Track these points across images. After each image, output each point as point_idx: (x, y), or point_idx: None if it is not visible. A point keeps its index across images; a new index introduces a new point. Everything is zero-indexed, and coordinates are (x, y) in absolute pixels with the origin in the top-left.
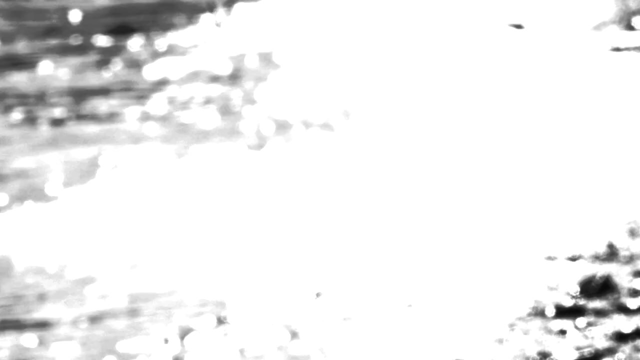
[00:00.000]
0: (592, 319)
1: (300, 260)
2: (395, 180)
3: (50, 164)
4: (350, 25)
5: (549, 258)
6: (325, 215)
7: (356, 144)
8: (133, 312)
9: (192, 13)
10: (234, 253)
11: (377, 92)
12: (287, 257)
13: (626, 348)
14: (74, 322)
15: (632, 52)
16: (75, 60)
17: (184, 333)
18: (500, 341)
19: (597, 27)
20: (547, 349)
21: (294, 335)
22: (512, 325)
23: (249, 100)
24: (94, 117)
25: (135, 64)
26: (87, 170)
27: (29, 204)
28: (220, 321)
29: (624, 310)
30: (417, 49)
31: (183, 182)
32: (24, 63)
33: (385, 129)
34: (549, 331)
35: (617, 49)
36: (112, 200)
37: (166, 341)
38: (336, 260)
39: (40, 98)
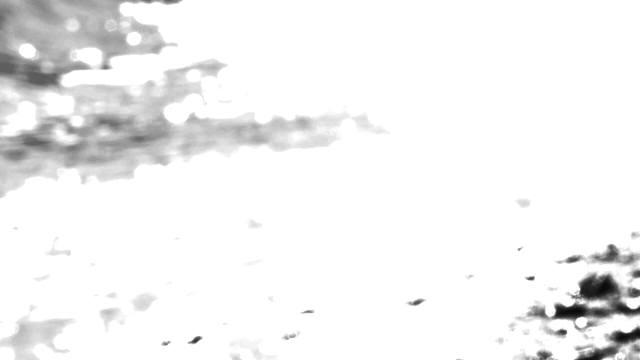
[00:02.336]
0: (592, 319)
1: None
2: (396, 180)
3: None
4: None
5: (549, 258)
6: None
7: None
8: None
9: None
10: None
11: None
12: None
13: (626, 348)
14: None
15: None
16: None
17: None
18: (500, 341)
19: None
20: (547, 349)
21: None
22: (512, 325)
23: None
24: None
25: None
26: None
27: None
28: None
29: (624, 310)
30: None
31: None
32: None
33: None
34: (549, 331)
35: None
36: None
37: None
38: (335, 262)
39: None
